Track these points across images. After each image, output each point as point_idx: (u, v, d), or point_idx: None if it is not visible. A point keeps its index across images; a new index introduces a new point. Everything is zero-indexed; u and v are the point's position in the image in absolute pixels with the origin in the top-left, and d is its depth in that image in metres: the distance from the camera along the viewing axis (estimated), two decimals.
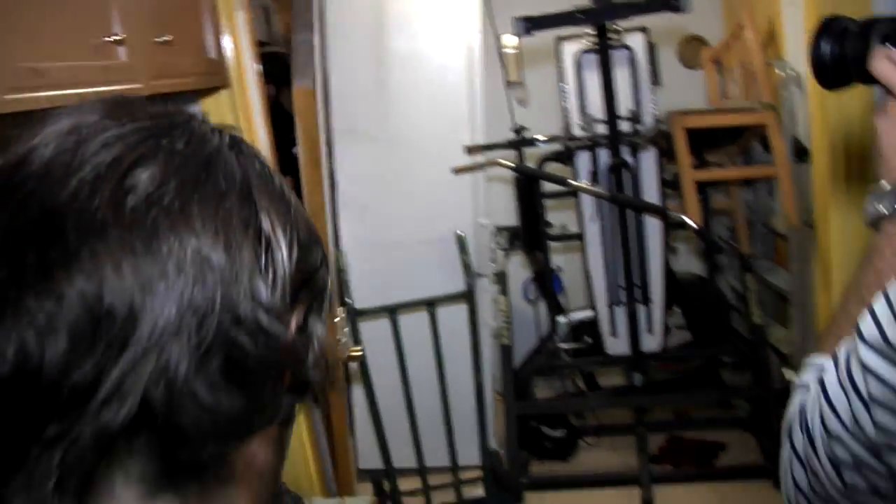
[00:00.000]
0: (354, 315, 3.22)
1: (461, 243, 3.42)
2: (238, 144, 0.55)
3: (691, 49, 4.67)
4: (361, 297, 3.30)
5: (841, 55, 1.01)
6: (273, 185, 0.55)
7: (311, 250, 0.56)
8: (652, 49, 3.50)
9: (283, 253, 0.52)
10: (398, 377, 3.28)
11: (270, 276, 0.51)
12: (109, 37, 1.54)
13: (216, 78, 2.27)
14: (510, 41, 3.61)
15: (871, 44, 0.95)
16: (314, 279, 0.56)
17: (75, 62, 1.45)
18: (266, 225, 0.52)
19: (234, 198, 0.50)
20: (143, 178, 0.48)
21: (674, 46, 4.66)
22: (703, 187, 3.75)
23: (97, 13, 1.55)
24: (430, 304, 3.30)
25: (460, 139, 3.55)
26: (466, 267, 3.38)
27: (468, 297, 3.35)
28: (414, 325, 3.31)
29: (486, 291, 3.64)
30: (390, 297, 3.30)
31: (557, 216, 3.98)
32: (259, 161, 0.56)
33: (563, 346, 4.00)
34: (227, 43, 2.33)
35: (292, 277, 0.53)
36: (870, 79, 0.96)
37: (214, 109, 2.34)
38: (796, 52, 3.61)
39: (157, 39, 1.76)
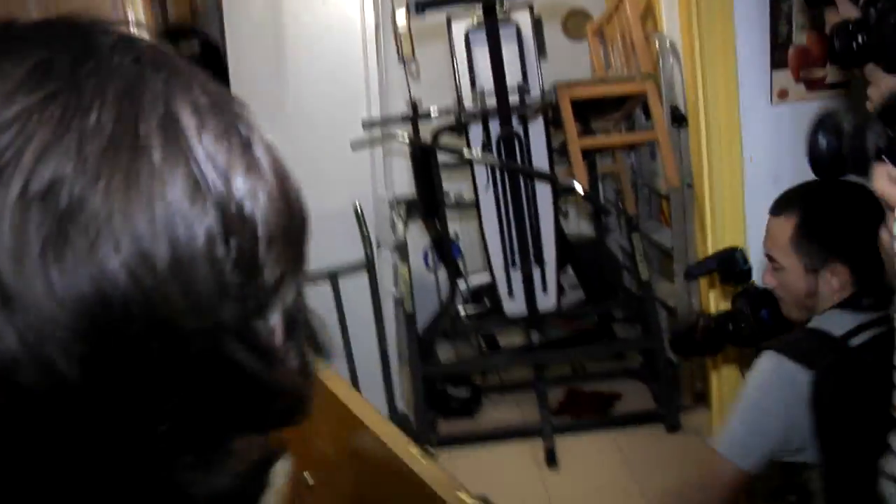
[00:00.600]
0: None
1: (358, 215, 3.53)
2: (163, 63, 0.42)
3: (575, 22, 4.87)
4: None
5: (838, 150, 1.13)
6: (226, 106, 0.43)
7: (287, 198, 0.43)
8: (538, 23, 3.66)
9: (252, 211, 0.40)
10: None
11: (241, 259, 0.39)
12: None
13: None
14: (403, 18, 3.72)
15: (867, 146, 1.05)
16: (298, 243, 0.43)
17: None
18: (233, 184, 0.40)
19: (172, 157, 0.38)
20: (56, 173, 0.36)
21: (559, 19, 4.85)
22: (590, 153, 3.95)
23: (18, 13, 1.62)
24: (333, 276, 3.41)
25: (357, 113, 3.63)
26: (365, 238, 3.50)
27: (368, 266, 3.49)
28: (320, 296, 3.43)
29: (388, 261, 3.77)
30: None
31: (454, 185, 4.12)
32: (201, 81, 0.43)
33: (464, 309, 4.18)
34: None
35: (268, 251, 0.41)
36: (864, 172, 1.07)
37: None
38: (672, 24, 3.82)
39: None
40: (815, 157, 1.17)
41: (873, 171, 1.03)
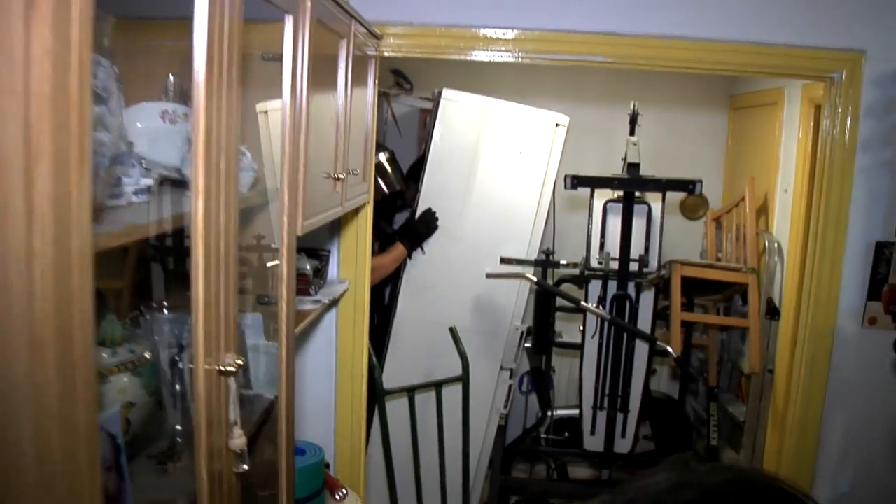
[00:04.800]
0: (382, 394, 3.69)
1: (454, 335, 3.89)
2: None
3: (692, 203, 5.40)
4: (405, 369, 3.97)
5: None
6: None
7: None
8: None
9: None
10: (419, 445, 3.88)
11: None
12: None
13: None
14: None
15: None
16: None
17: None
18: None
19: None
20: None
21: (679, 199, 5.39)
22: (688, 324, 4.42)
23: None
24: (438, 386, 3.84)
25: (520, 249, 4.09)
26: (462, 355, 3.87)
27: (463, 381, 3.88)
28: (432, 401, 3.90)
29: (505, 382, 4.20)
30: (429, 370, 3.93)
31: (559, 325, 4.61)
32: None
33: (545, 436, 4.62)
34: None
35: None
36: None
37: None
38: (781, 225, 4.33)
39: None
40: None
41: None
